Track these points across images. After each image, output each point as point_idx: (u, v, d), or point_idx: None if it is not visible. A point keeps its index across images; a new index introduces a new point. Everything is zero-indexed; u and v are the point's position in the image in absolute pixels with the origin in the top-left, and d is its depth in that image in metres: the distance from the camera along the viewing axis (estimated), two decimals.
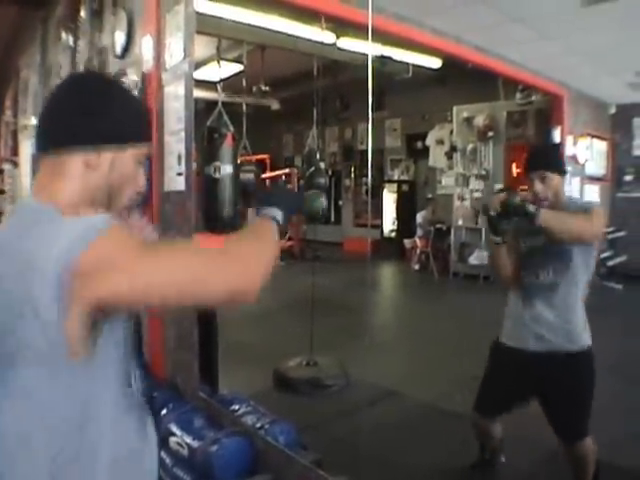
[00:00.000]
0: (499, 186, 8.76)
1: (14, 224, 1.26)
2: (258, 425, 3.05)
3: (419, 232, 11.70)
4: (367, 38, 3.99)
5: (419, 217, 11.86)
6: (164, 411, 3.15)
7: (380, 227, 13.34)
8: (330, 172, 10.42)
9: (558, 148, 3.47)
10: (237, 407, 3.24)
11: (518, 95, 9.54)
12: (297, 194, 1.92)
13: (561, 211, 2.77)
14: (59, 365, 1.15)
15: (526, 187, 2.93)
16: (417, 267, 11.50)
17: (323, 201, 2.10)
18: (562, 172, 2.94)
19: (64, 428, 1.21)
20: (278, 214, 1.52)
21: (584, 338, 2.93)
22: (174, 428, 3.02)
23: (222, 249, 1.25)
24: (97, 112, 1.27)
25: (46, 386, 1.17)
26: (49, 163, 1.30)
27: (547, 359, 2.90)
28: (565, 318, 2.91)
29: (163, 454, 2.88)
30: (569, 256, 2.81)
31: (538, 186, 2.83)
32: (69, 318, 1.07)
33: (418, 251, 11.61)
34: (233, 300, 1.21)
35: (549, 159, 2.95)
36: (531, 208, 2.65)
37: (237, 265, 1.22)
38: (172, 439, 2.97)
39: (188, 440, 2.91)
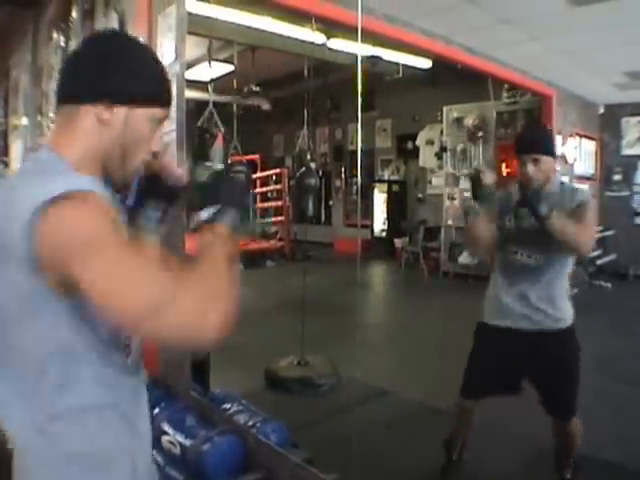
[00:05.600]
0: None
1: (24, 170, 1.29)
2: (250, 424, 3.07)
3: None
4: (357, 39, 4.01)
5: None
6: (156, 410, 3.16)
7: (371, 227, 13.35)
8: (320, 172, 10.45)
9: (550, 131, 3.49)
10: (229, 406, 3.26)
11: (504, 95, 9.60)
12: (244, 184, 1.50)
13: (564, 217, 2.77)
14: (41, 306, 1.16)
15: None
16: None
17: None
18: (554, 154, 2.95)
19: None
20: (233, 217, 1.37)
21: (568, 317, 2.98)
22: (166, 427, 3.03)
23: (187, 287, 1.15)
24: (111, 68, 1.26)
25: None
26: (64, 116, 1.30)
27: (533, 337, 2.94)
28: (551, 298, 2.94)
29: (155, 453, 2.89)
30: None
31: (530, 169, 2.84)
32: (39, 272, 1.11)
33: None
34: (184, 343, 1.18)
35: (542, 142, 2.94)
36: (545, 208, 2.70)
37: (197, 317, 1.14)
38: (164, 438, 2.98)
39: (180, 439, 2.93)
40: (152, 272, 1.14)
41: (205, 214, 1.36)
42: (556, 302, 2.96)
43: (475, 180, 2.95)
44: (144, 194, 1.56)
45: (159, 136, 1.41)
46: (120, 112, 1.28)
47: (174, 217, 1.69)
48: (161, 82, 1.37)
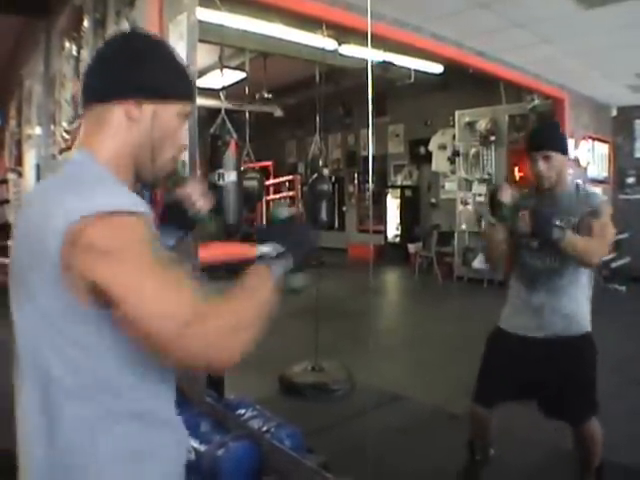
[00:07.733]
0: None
1: (59, 176, 1.28)
2: (264, 429, 3.06)
3: None
4: (368, 44, 4.01)
5: None
6: None
7: (384, 232, 13.34)
8: (333, 178, 10.41)
9: (560, 127, 3.51)
10: (243, 411, 3.25)
11: (528, 98, 9.53)
12: (307, 228, 1.55)
13: (580, 235, 2.77)
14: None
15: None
16: None
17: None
18: (565, 152, 2.92)
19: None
20: (290, 265, 1.40)
21: (585, 325, 2.96)
22: None
23: (218, 310, 1.18)
24: (138, 65, 1.27)
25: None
26: (92, 115, 1.31)
27: (549, 345, 2.91)
28: (569, 304, 2.92)
29: None
30: None
31: (542, 166, 2.82)
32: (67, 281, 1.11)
33: None
34: (204, 367, 1.18)
35: (553, 138, 2.93)
36: (557, 232, 2.69)
37: (224, 339, 1.18)
38: None
39: (195, 444, 2.92)
40: (186, 289, 1.14)
41: (266, 250, 1.38)
42: (575, 309, 2.94)
43: (493, 197, 2.94)
44: (163, 220, 1.59)
45: (185, 131, 1.42)
46: (149, 108, 1.29)
47: (187, 247, 1.72)
48: (186, 77, 1.39)
